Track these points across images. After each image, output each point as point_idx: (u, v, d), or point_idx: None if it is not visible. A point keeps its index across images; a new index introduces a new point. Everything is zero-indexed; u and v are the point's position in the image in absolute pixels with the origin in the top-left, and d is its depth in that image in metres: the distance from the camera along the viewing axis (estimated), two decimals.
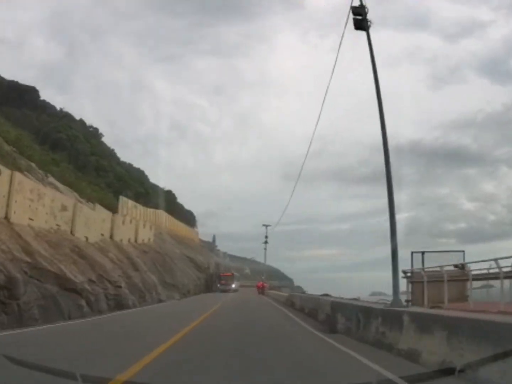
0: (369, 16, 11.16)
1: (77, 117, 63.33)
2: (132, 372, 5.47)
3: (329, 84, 15.51)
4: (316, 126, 22.44)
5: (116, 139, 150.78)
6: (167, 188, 72.86)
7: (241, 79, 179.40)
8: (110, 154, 64.35)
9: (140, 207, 44.07)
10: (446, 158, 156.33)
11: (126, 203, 39.30)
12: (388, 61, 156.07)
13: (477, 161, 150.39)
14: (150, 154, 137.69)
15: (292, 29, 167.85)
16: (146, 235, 38.44)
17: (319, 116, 18.14)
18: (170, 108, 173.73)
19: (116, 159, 66.31)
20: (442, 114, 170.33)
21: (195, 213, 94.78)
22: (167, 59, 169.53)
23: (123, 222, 31.88)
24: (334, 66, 13.37)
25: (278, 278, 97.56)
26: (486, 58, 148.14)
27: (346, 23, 11.31)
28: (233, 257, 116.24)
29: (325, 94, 15.89)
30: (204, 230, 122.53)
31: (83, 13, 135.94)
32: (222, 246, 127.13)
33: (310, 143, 28.32)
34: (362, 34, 11.33)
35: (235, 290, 59.75)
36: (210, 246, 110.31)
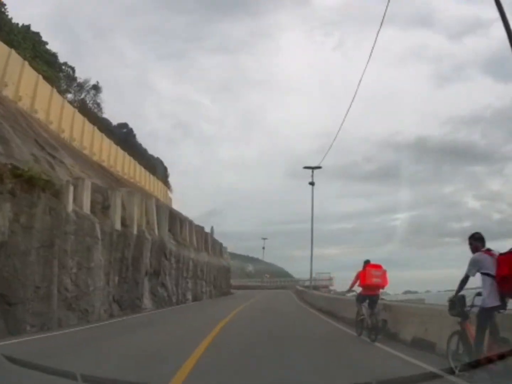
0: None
1: None
2: None
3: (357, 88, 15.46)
4: (340, 125, 23.30)
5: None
6: None
7: (246, 77, 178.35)
8: None
9: None
10: (453, 155, 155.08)
11: None
12: (394, 59, 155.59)
13: (484, 158, 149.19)
14: (152, 151, 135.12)
15: (298, 26, 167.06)
16: None
17: (344, 117, 18.27)
18: (174, 106, 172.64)
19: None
20: (450, 110, 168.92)
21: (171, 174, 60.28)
22: (172, 56, 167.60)
23: None
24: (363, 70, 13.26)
25: (282, 277, 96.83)
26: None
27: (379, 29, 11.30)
28: (235, 255, 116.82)
29: (352, 99, 15.86)
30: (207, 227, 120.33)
31: (86, 9, 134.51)
32: (225, 244, 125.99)
33: (333, 141, 28.48)
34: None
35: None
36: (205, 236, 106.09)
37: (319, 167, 35.20)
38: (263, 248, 60.70)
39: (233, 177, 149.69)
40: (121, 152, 35.28)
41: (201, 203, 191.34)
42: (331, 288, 57.73)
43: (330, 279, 62.20)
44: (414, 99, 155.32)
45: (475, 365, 4.86)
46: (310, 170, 35.39)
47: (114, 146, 34.19)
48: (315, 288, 42.46)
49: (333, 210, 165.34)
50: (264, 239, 57.93)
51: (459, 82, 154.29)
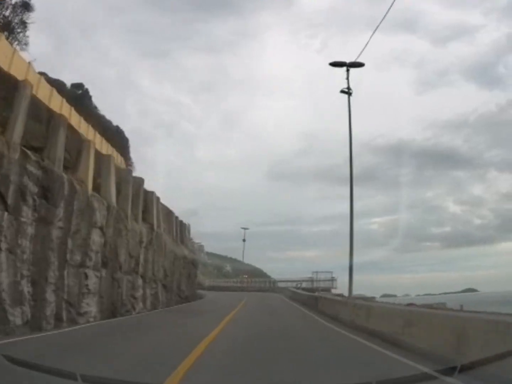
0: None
1: None
2: None
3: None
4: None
5: None
6: None
7: (229, 77, 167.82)
8: None
9: None
10: (435, 160, 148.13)
11: None
12: (378, 62, 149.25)
13: (467, 163, 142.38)
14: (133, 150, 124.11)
15: (283, 28, 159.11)
16: None
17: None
18: (156, 105, 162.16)
19: None
20: (434, 114, 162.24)
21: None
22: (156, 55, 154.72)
23: None
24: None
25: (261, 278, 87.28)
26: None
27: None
28: (213, 255, 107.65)
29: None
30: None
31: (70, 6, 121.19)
32: (206, 246, 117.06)
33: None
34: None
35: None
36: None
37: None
38: (244, 240, 52.71)
39: (213, 178, 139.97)
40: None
41: (180, 203, 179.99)
42: (334, 291, 42.56)
43: (332, 280, 47.40)
44: (397, 103, 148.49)
45: (475, 365, 5.01)
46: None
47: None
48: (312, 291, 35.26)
49: (312, 212, 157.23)
50: (244, 240, 56.22)
51: (442, 87, 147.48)
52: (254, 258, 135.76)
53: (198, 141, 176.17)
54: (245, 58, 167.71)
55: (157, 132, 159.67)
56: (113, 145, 33.49)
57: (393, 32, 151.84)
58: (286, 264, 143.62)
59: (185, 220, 35.65)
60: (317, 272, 49.88)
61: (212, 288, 53.96)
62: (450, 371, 4.96)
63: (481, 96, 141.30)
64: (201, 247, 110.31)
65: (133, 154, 47.44)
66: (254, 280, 65.00)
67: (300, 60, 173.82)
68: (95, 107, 42.61)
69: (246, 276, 62.31)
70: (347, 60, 18.80)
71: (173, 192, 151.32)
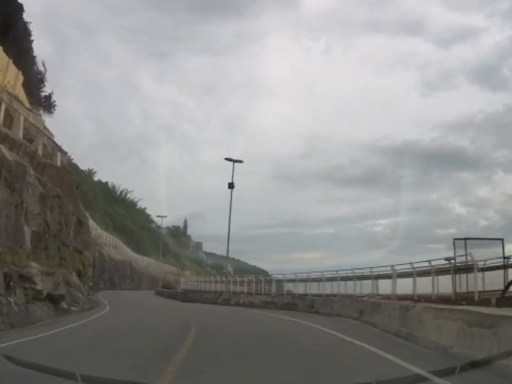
0: None
1: None
2: None
3: None
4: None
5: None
6: None
7: (230, 79, 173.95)
8: None
9: None
10: (440, 161, 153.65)
11: None
12: (382, 65, 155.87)
13: (473, 164, 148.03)
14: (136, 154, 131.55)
15: (285, 30, 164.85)
16: None
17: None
18: (158, 108, 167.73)
19: None
20: (439, 116, 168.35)
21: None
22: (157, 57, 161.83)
23: None
24: None
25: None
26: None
27: None
28: (214, 255, 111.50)
29: None
30: (192, 232, 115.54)
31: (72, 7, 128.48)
32: (209, 247, 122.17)
33: None
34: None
35: None
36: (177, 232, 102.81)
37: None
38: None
39: (215, 180, 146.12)
40: None
41: (182, 206, 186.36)
42: None
43: None
44: (402, 105, 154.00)
45: (474, 365, 5.12)
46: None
47: None
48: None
49: (315, 214, 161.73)
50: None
51: (447, 89, 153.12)
52: (258, 259, 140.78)
53: (199, 143, 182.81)
54: (247, 60, 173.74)
55: (159, 135, 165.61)
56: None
57: (397, 35, 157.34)
58: (288, 266, 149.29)
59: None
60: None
61: (185, 292, 38.71)
62: (450, 371, 4.98)
63: (486, 97, 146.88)
64: (197, 244, 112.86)
65: None
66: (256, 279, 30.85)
67: (301, 62, 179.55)
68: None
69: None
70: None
71: (175, 195, 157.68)
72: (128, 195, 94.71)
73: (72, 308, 17.46)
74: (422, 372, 5.57)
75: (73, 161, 62.89)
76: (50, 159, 27.16)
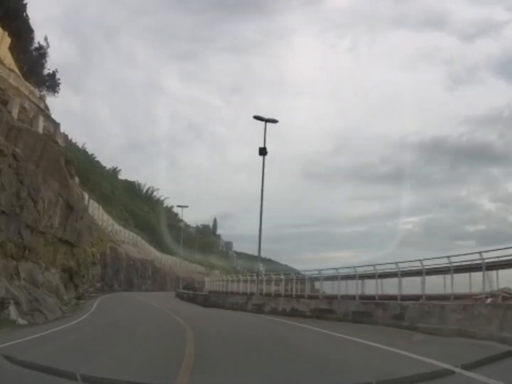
0: None
1: None
2: None
3: None
4: None
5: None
6: None
7: (257, 78, 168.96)
8: None
9: None
10: (469, 156, 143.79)
11: None
12: (407, 60, 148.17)
13: (501, 159, 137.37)
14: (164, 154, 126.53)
15: (311, 27, 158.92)
16: None
17: None
18: (185, 108, 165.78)
19: None
20: (467, 110, 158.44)
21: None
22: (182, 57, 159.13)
23: None
24: None
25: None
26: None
27: None
28: (245, 255, 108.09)
29: None
30: (222, 232, 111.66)
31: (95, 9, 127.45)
32: (240, 247, 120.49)
33: None
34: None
35: None
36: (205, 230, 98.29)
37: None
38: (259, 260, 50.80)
39: (245, 180, 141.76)
40: None
41: (212, 205, 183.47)
42: None
43: None
44: (429, 101, 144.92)
45: (475, 364, 4.85)
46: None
47: None
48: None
49: (345, 212, 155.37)
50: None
51: (474, 82, 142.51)
52: (289, 259, 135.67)
53: (228, 143, 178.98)
54: (273, 58, 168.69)
55: (187, 135, 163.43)
56: None
57: (422, 30, 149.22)
58: (320, 265, 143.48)
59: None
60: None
61: (207, 296, 34.33)
62: (450, 371, 4.83)
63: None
64: (228, 244, 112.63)
65: None
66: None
67: (328, 59, 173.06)
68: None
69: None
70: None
71: (204, 194, 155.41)
72: (155, 193, 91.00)
73: (20, 320, 11.42)
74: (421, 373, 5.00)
75: (83, 147, 57.30)
76: (30, 125, 21.45)
